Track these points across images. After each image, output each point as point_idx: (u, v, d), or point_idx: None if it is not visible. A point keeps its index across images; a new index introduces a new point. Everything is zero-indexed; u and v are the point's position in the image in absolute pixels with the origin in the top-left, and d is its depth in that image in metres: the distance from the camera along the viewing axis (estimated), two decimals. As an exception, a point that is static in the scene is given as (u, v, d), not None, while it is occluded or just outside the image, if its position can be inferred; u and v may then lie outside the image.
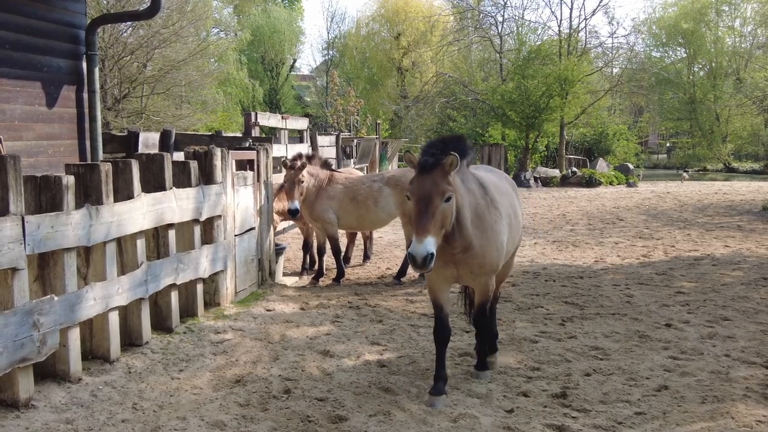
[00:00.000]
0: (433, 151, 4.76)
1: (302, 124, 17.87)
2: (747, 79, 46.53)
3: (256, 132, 14.29)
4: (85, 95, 9.07)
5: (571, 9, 41.06)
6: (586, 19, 41.93)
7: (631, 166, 36.73)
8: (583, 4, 43.15)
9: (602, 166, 37.25)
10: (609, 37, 45.11)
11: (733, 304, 8.26)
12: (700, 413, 4.91)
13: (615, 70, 45.83)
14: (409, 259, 4.54)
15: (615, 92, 43.58)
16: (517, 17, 42.91)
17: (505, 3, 42.65)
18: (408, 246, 6.00)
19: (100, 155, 9.27)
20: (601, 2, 42.28)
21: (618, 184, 32.53)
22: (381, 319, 7.74)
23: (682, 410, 4.98)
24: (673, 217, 18.47)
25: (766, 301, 8.39)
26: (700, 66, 49.67)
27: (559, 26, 41.55)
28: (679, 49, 50.07)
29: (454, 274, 5.53)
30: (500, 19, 42.67)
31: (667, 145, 55.01)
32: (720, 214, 19.04)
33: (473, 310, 5.84)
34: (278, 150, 13.40)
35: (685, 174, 42.00)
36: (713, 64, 48.95)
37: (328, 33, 53.11)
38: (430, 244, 4.44)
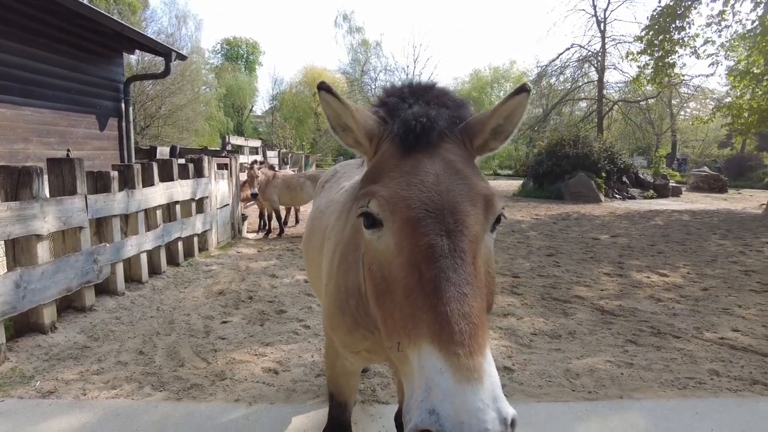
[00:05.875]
0: (428, 98, 1.32)
1: (257, 143, 17.35)
2: (506, 125, 48.92)
3: (229, 147, 13.82)
4: (123, 124, 8.50)
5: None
6: (420, 89, 43.97)
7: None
8: (420, 82, 45.37)
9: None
10: (433, 100, 46.65)
11: (495, 244, 8.79)
12: (476, 302, 5.27)
13: (435, 120, 47.23)
14: None
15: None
16: (382, 87, 43.99)
17: (376, 78, 43.63)
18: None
19: (133, 160, 8.74)
20: (429, 79, 45.48)
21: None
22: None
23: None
24: (466, 200, 19.25)
25: (513, 242, 8.97)
26: (482, 118, 51.48)
27: (406, 93, 42.73)
28: (470, 107, 51.70)
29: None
30: (373, 87, 43.58)
31: (464, 160, 56.86)
32: (490, 198, 20.03)
33: None
34: (243, 159, 12.98)
35: (473, 177, 43.94)
36: (488, 117, 50.95)
37: (273, 90, 51.14)
38: (494, 372, 0.81)
